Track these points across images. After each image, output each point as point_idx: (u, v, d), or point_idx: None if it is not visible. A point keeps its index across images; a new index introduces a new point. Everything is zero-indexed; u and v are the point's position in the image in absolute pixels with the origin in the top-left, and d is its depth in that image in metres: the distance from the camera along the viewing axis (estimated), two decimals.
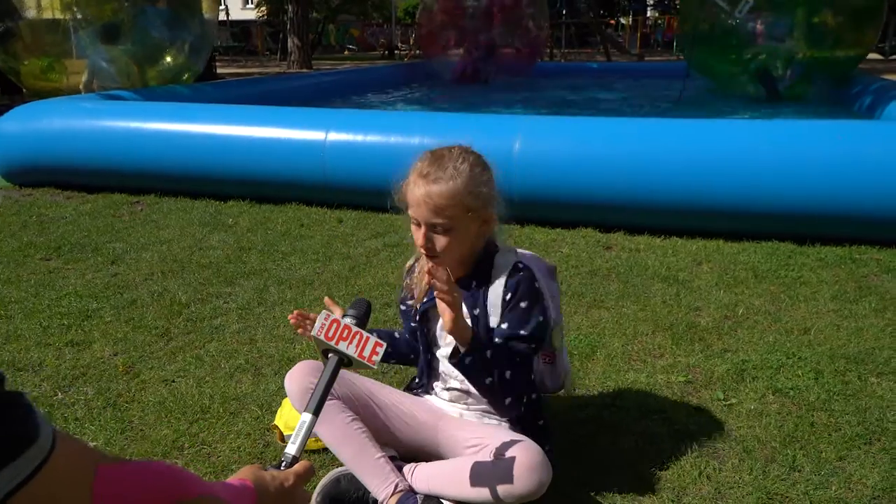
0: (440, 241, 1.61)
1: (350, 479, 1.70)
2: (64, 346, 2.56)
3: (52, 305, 2.95)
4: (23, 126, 5.26)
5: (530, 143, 4.08)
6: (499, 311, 1.69)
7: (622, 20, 35.40)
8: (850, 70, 8.43)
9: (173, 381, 2.31)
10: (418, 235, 1.62)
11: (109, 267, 3.47)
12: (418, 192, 1.59)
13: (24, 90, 8.22)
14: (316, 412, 1.23)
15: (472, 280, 1.72)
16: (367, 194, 4.40)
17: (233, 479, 1.00)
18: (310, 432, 1.21)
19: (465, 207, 1.60)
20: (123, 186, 5.01)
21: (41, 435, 0.66)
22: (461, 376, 1.69)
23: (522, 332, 1.66)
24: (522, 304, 1.68)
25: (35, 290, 3.13)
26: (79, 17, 7.50)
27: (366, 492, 1.67)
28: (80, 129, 5.07)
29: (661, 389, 2.25)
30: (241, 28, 33.00)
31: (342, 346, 1.30)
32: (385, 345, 1.33)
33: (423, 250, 1.62)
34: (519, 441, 1.58)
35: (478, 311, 1.69)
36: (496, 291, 1.70)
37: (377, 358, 1.31)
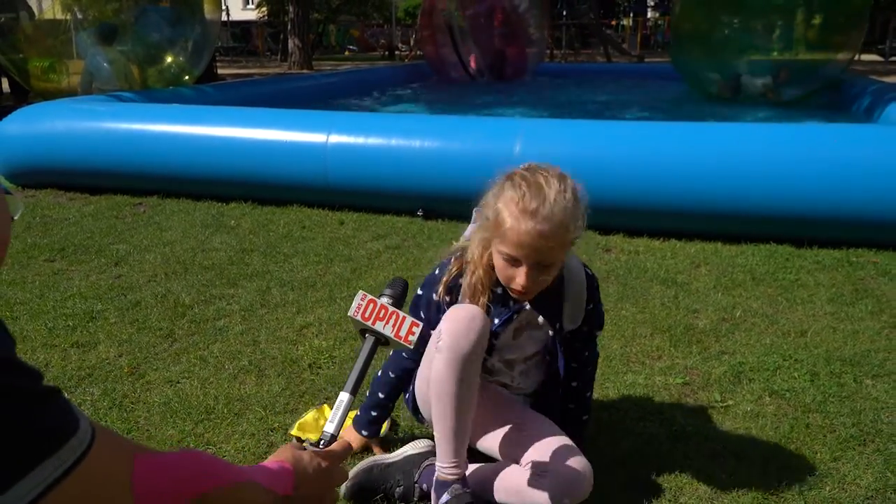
0: (541, 280, 1.53)
1: (382, 469, 1.73)
2: (70, 348, 2.60)
3: (58, 307, 2.98)
4: (26, 127, 5.29)
5: (531, 145, 4.11)
6: (580, 319, 1.73)
7: (623, 21, 35.43)
8: (839, 73, 8.46)
9: (178, 382, 2.34)
10: (516, 274, 1.50)
11: (113, 268, 3.50)
12: (524, 231, 1.45)
13: (30, 90, 8.23)
14: (353, 391, 1.24)
15: (546, 294, 1.65)
16: (369, 196, 4.45)
17: (270, 460, 1.02)
18: (347, 412, 1.22)
19: (570, 243, 1.53)
20: (126, 188, 5.04)
21: (81, 427, 0.70)
22: (514, 376, 1.79)
23: (598, 331, 1.84)
24: (598, 308, 1.80)
25: (40, 292, 3.17)
26: (80, 16, 7.54)
27: (394, 484, 1.71)
28: (82, 130, 5.10)
29: (659, 391, 2.28)
30: (241, 28, 33.01)
31: (378, 326, 1.30)
32: (421, 325, 1.32)
33: (519, 290, 1.53)
34: (575, 455, 1.62)
35: (559, 323, 1.71)
36: (578, 304, 1.71)
37: (413, 338, 1.31)
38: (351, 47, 36.01)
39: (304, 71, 20.88)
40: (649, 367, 2.45)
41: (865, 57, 23.01)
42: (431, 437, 1.93)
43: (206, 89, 7.36)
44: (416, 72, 12.75)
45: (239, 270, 3.45)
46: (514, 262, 1.50)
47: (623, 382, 2.34)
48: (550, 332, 1.71)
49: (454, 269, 1.69)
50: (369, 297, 1.31)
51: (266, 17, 32.69)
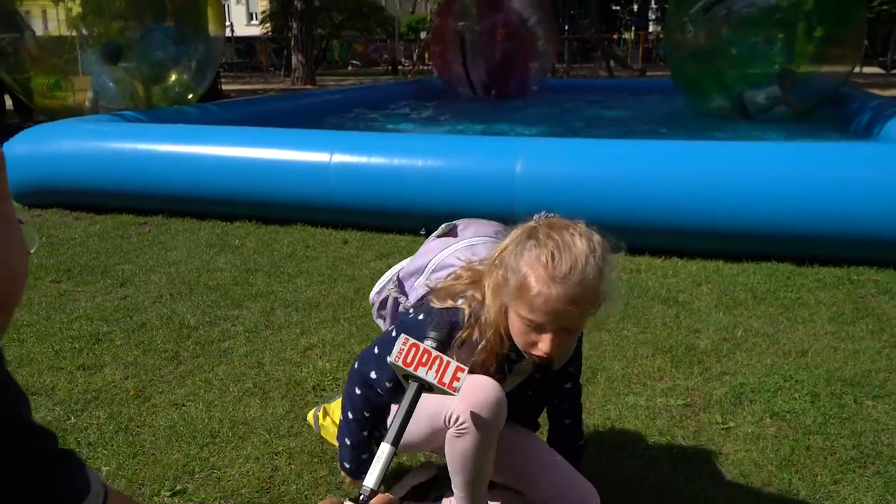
0: (566, 345, 1.42)
1: None
2: (76, 370, 2.62)
3: (64, 329, 3.01)
4: (33, 148, 5.34)
5: (532, 164, 4.14)
6: (566, 360, 1.60)
7: (625, 35, 35.61)
8: (839, 86, 8.48)
9: (183, 406, 2.36)
10: (539, 340, 1.37)
11: (119, 289, 3.53)
12: (555, 297, 1.32)
13: (34, 108, 8.30)
14: (395, 443, 1.20)
15: None
16: (372, 215, 4.48)
17: None
18: (388, 464, 1.18)
19: (598, 305, 1.39)
20: (131, 207, 5.08)
21: (92, 489, 0.72)
22: None
23: (578, 372, 1.74)
24: (580, 348, 1.69)
25: (46, 314, 3.20)
26: (85, 33, 7.61)
27: None
28: (88, 150, 5.15)
29: (660, 413, 2.30)
30: (245, 44, 33.27)
31: (421, 373, 1.24)
32: (466, 369, 1.25)
33: (542, 357, 1.39)
34: (583, 486, 1.63)
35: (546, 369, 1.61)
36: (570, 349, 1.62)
37: (459, 384, 1.24)
38: (354, 62, 36.24)
39: (308, 86, 21.02)
40: (651, 389, 2.46)
41: (867, 69, 23.07)
42: (422, 462, 1.95)
43: (211, 108, 7.42)
44: (420, 88, 12.83)
45: (243, 291, 3.47)
46: (538, 328, 1.37)
47: (625, 404, 2.35)
48: (536, 375, 1.64)
49: (465, 332, 1.49)
50: (412, 340, 1.26)
51: (270, 33, 32.93)
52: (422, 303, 1.60)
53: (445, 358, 1.26)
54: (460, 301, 1.50)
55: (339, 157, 4.51)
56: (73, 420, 2.28)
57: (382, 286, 1.88)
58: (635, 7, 38.63)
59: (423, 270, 1.72)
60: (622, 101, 11.32)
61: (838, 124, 7.53)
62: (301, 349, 2.80)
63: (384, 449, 1.20)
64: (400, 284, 1.78)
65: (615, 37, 34.49)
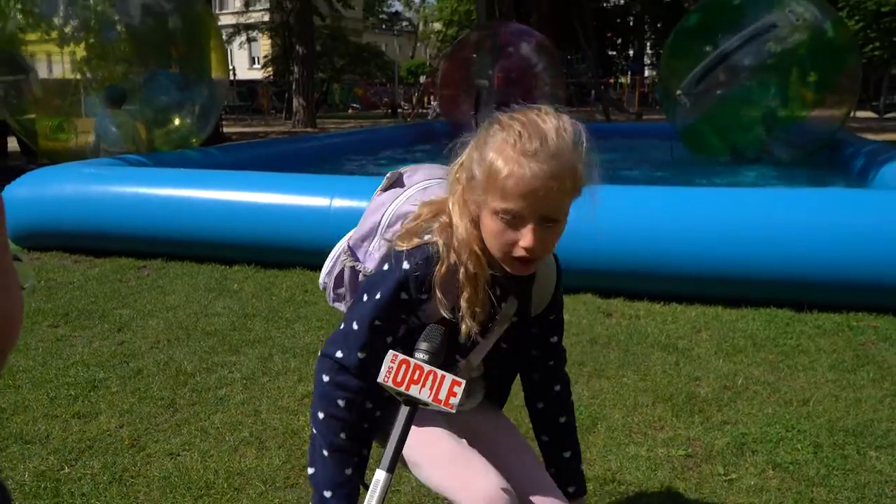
0: (548, 238, 1.26)
1: None
2: (71, 418, 2.59)
3: (60, 375, 2.99)
4: (34, 191, 5.38)
5: None
6: (542, 301, 1.46)
7: (621, 79, 36.18)
8: (835, 132, 8.59)
9: (178, 455, 2.33)
10: (519, 236, 1.23)
11: (116, 334, 3.52)
12: (530, 175, 1.18)
13: (38, 151, 8.38)
14: (391, 469, 1.12)
15: (528, 280, 1.41)
16: None
17: None
18: (385, 493, 1.11)
19: (577, 189, 1.26)
20: (131, 251, 5.09)
21: None
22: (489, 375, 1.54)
23: (561, 326, 1.54)
24: (561, 294, 1.51)
25: (43, 359, 3.18)
26: (89, 76, 7.72)
27: None
28: (89, 194, 5.18)
29: (661, 464, 2.27)
30: (247, 88, 33.73)
31: (414, 391, 1.14)
32: (463, 382, 1.14)
33: (525, 256, 1.24)
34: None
35: (525, 308, 1.43)
36: (547, 287, 1.46)
37: (455, 400, 1.14)
38: (354, 105, 36.70)
39: (308, 129, 21.25)
40: (651, 438, 2.44)
41: (860, 114, 23.40)
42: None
43: (213, 151, 7.49)
44: (420, 132, 12.97)
45: (241, 336, 3.46)
46: (515, 221, 1.22)
47: (625, 454, 2.32)
48: (515, 319, 1.45)
49: (443, 266, 1.29)
50: (401, 356, 1.15)
51: (272, 77, 33.43)
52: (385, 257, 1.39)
53: (440, 372, 1.15)
54: (427, 236, 1.31)
55: (339, 202, 4.53)
56: (66, 470, 2.25)
57: (333, 262, 1.69)
58: (631, 52, 39.33)
59: (377, 230, 1.53)
60: (619, 144, 11.45)
61: (834, 169, 7.60)
62: (298, 397, 2.78)
63: (379, 476, 1.10)
64: (353, 253, 1.59)
65: (611, 81, 35.05)
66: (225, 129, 18.02)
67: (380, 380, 1.15)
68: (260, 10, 31.74)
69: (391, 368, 1.16)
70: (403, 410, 1.17)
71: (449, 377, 1.15)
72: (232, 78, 29.06)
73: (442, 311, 1.29)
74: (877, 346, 3.29)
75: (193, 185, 5.04)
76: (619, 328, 3.56)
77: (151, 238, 4.99)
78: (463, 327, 1.31)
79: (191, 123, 7.69)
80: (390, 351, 1.16)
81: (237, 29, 29.93)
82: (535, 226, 1.21)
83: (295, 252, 4.63)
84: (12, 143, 10.85)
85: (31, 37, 7.89)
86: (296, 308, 3.90)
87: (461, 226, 1.28)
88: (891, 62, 25.24)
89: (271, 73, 33.20)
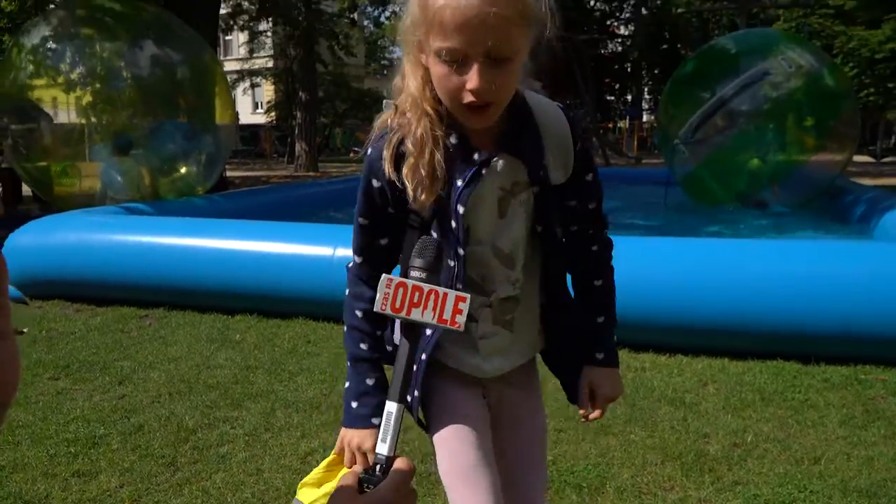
0: (498, 80, 1.14)
1: None
2: (70, 477, 2.55)
3: (60, 431, 2.95)
4: (38, 239, 5.39)
5: None
6: (564, 162, 1.31)
7: (619, 124, 36.60)
8: (833, 178, 8.64)
9: None
10: (466, 78, 1.13)
11: (117, 387, 3.48)
12: (465, 3, 1.08)
13: (51, 198, 8.40)
14: (402, 398, 1.02)
15: (519, 130, 1.28)
16: None
17: None
18: (399, 424, 1.01)
19: (525, 19, 1.14)
20: (133, 299, 5.08)
21: None
22: (517, 277, 1.33)
23: (597, 195, 1.40)
24: (589, 152, 1.37)
25: (43, 414, 3.14)
26: (94, 121, 7.80)
27: None
28: (93, 243, 5.19)
29: None
30: (250, 132, 34.10)
31: (416, 315, 1.04)
32: (468, 297, 1.01)
33: (474, 100, 1.14)
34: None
35: (540, 170, 1.28)
36: (561, 142, 1.31)
37: (462, 317, 1.03)
38: (356, 149, 37.03)
39: (310, 173, 21.43)
40: (662, 500, 2.39)
41: (858, 158, 23.58)
42: None
43: (217, 199, 7.54)
44: None
45: (243, 390, 3.42)
46: (459, 61, 1.12)
47: None
48: (535, 189, 1.29)
49: (395, 136, 1.24)
50: (396, 279, 1.03)
51: (275, 122, 33.81)
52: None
53: (441, 290, 1.01)
54: (385, 114, 1.29)
55: (342, 252, 4.53)
56: None
57: None
58: (629, 97, 39.84)
59: None
60: (618, 189, 11.51)
61: (835, 216, 7.63)
62: (301, 454, 2.73)
63: (390, 408, 1.00)
64: None
65: (610, 126, 35.45)
66: (228, 173, 18.15)
67: (377, 308, 1.02)
68: (264, 57, 32.27)
69: (387, 294, 1.02)
70: (404, 344, 1.05)
71: (452, 293, 1.01)
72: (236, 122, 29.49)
73: (409, 191, 1.21)
74: (886, 401, 3.25)
75: (196, 233, 5.05)
76: (624, 381, 3.50)
77: (154, 287, 4.98)
78: (414, 202, 1.22)
79: (197, 172, 7.74)
80: (383, 275, 1.02)
81: (241, 75, 30.38)
82: (480, 65, 1.11)
83: (297, 302, 4.61)
84: (28, 189, 10.92)
85: (38, 82, 8.00)
86: (298, 360, 3.87)
87: (411, 84, 1.22)
88: (885, 107, 25.53)
89: (274, 117, 33.59)
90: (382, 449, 0.97)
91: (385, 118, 1.29)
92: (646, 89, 38.25)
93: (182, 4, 9.90)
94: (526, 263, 1.34)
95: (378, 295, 1.01)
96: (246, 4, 21.71)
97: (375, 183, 1.27)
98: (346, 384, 1.37)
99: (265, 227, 5.07)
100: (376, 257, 1.31)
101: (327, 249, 4.58)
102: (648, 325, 3.89)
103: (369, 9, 29.41)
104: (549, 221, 1.31)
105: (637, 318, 3.90)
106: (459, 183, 1.23)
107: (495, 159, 1.26)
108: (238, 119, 31.34)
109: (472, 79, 1.12)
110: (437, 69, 1.15)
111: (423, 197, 1.21)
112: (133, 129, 7.63)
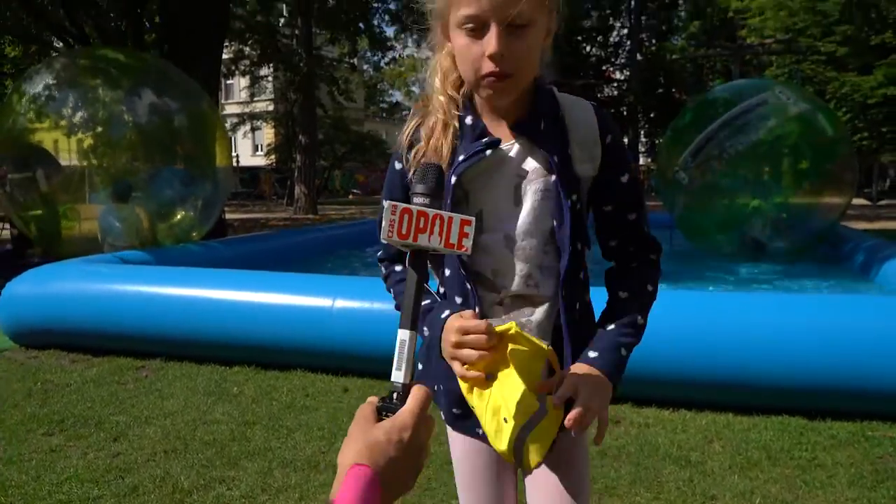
0: (517, 48, 1.17)
1: None
2: None
3: (53, 492, 2.89)
4: (34, 288, 5.36)
5: None
6: (591, 154, 1.29)
7: None
8: (832, 224, 8.65)
9: None
10: (485, 45, 1.16)
11: (112, 445, 3.42)
12: None
13: (49, 246, 8.36)
14: (413, 325, 0.99)
15: (538, 117, 1.27)
16: (374, 361, 4.41)
17: (346, 471, 0.80)
18: (413, 351, 0.99)
19: None
20: (129, 350, 5.03)
21: None
22: (533, 275, 1.28)
23: (637, 202, 1.35)
24: (624, 149, 1.34)
25: (36, 473, 3.07)
26: (95, 163, 7.82)
27: None
28: (90, 292, 5.16)
29: None
30: (250, 174, 34.32)
31: (423, 240, 1.02)
32: (472, 219, 1.00)
33: (493, 68, 1.18)
34: None
35: (557, 157, 1.25)
36: (587, 132, 1.29)
37: (468, 241, 1.01)
38: (355, 191, 37.28)
39: (310, 216, 21.49)
40: None
41: (854, 201, 23.72)
42: None
43: (215, 245, 7.53)
44: None
45: (240, 447, 3.36)
46: (478, 29, 1.17)
47: None
48: (553, 178, 1.25)
49: (413, 120, 1.34)
50: (401, 205, 1.01)
51: (274, 164, 34.05)
52: None
53: (446, 214, 1.00)
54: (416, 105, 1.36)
55: (341, 303, 4.51)
56: None
57: None
58: (626, 140, 40.27)
59: None
60: None
61: (836, 264, 7.63)
62: None
63: (403, 336, 0.98)
64: None
65: None
66: (227, 216, 18.20)
67: (383, 237, 1.01)
68: (265, 101, 32.68)
69: (393, 221, 1.01)
70: (415, 259, 1.03)
71: (457, 217, 1.01)
72: (235, 165, 29.66)
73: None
74: (895, 460, 3.20)
75: (193, 283, 5.02)
76: (628, 438, 3.46)
77: (151, 337, 4.93)
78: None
79: (194, 217, 7.76)
80: (388, 202, 1.02)
81: (242, 118, 30.70)
82: (499, 30, 1.15)
83: (296, 353, 4.57)
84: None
85: (39, 125, 8.04)
86: (296, 414, 3.81)
87: (436, 71, 1.29)
88: (879, 151, 25.81)
89: (274, 160, 33.84)
90: (398, 377, 0.95)
91: (416, 108, 1.35)
92: (642, 132, 38.66)
93: (186, 50, 10.06)
94: (544, 263, 1.29)
95: (384, 223, 0.99)
96: (248, 50, 22.04)
97: (397, 165, 1.35)
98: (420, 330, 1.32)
99: (263, 278, 5.06)
100: None
101: (326, 301, 4.55)
102: (652, 379, 3.85)
103: (369, 53, 29.91)
104: (565, 216, 1.25)
105: (641, 371, 3.85)
106: (461, 158, 1.25)
107: (510, 143, 1.27)
108: (238, 162, 31.63)
109: (491, 43, 1.15)
110: (460, 41, 1.20)
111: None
112: (132, 175, 7.66)
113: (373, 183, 37.36)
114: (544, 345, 1.21)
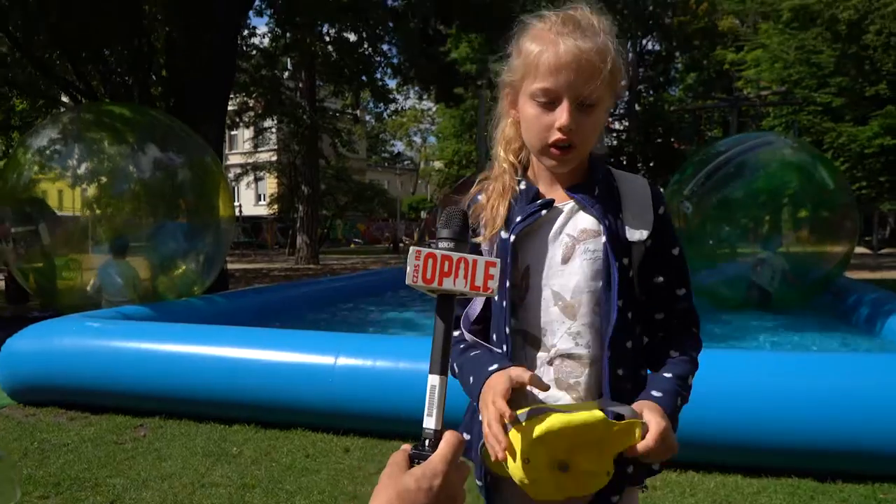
0: (584, 123, 1.27)
1: None
2: None
3: None
4: (34, 344, 5.33)
5: None
6: (643, 220, 1.33)
7: None
8: (836, 274, 8.62)
9: None
10: (556, 117, 1.25)
11: None
12: (563, 50, 1.23)
13: (48, 301, 8.34)
14: (443, 370, 0.98)
15: (594, 183, 1.34)
16: (376, 420, 4.36)
17: None
18: (444, 396, 0.98)
19: (613, 74, 1.27)
20: (129, 407, 4.96)
21: None
22: (578, 330, 1.31)
23: (684, 271, 1.39)
24: (671, 225, 1.38)
25: None
26: (98, 213, 7.84)
27: None
28: (89, 348, 5.12)
29: None
30: (252, 224, 34.51)
31: (448, 284, 1.02)
32: (497, 260, 1.01)
33: (561, 137, 1.26)
34: None
35: (609, 219, 1.30)
36: (641, 203, 1.34)
37: (494, 283, 1.01)
38: (357, 240, 37.45)
39: (311, 266, 21.54)
40: None
41: (856, 250, 23.79)
42: None
43: (217, 299, 7.52)
44: None
45: None
46: (550, 102, 1.26)
47: None
48: (604, 239, 1.30)
49: (477, 184, 1.42)
50: (425, 251, 1.02)
51: (277, 214, 34.27)
52: None
53: (470, 257, 1.01)
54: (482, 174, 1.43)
55: (344, 360, 4.47)
56: None
57: None
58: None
59: None
60: None
61: (839, 316, 7.59)
62: None
63: (433, 381, 0.97)
64: None
65: None
66: (229, 266, 18.22)
67: (408, 281, 1.02)
68: (268, 151, 33.05)
69: (417, 266, 1.02)
70: (442, 303, 1.03)
71: (482, 259, 1.01)
72: (238, 214, 29.94)
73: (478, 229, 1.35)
74: None
75: (193, 340, 4.98)
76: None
77: (150, 395, 4.87)
78: (478, 237, 1.34)
79: (196, 270, 7.75)
80: (412, 248, 1.03)
81: (246, 169, 31.02)
82: (570, 105, 1.24)
83: (297, 412, 4.51)
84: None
85: (43, 176, 8.08)
86: (296, 477, 3.74)
87: (500, 138, 1.39)
88: (878, 200, 25.97)
89: (276, 210, 34.07)
90: (429, 423, 0.94)
91: (481, 177, 1.43)
92: None
93: (192, 105, 10.22)
94: (593, 323, 1.31)
95: (408, 269, 1.00)
96: (252, 102, 22.38)
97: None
98: (465, 378, 1.40)
99: (264, 334, 5.03)
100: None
101: (328, 358, 4.51)
102: None
103: (371, 105, 30.38)
104: (613, 276, 1.29)
105: None
106: (518, 219, 1.32)
107: (563, 203, 1.34)
108: (241, 212, 31.81)
109: (562, 116, 1.24)
110: (530, 111, 1.29)
111: (485, 232, 1.33)
112: (136, 229, 7.68)
113: (374, 232, 37.54)
114: (595, 415, 1.18)
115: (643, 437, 1.20)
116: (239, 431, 4.54)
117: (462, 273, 1.01)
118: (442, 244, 1.03)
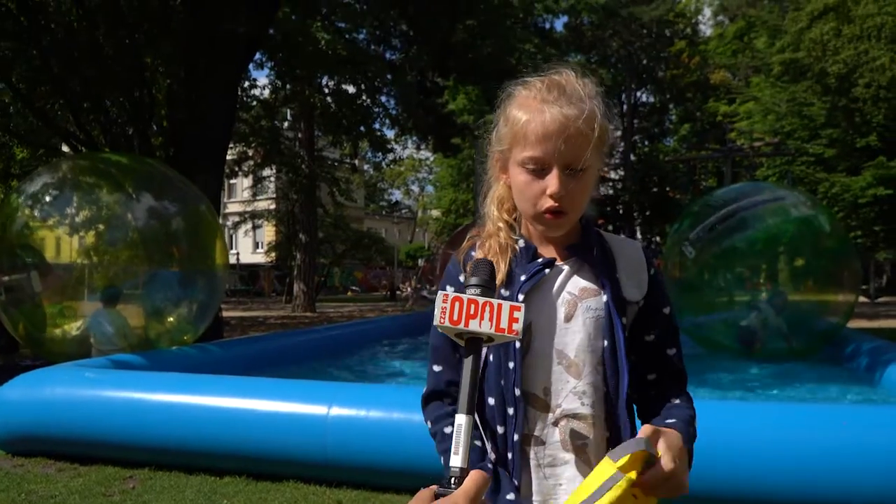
0: (574, 189, 1.28)
1: None
2: None
3: None
4: (24, 394, 5.25)
5: None
6: (638, 280, 1.36)
7: None
8: (840, 326, 8.59)
9: None
10: (546, 184, 1.27)
11: None
12: (549, 118, 1.25)
13: (37, 350, 8.26)
14: (470, 410, 1.01)
15: (589, 245, 1.37)
16: (370, 472, 4.29)
17: None
18: (470, 436, 1.00)
19: (601, 138, 1.29)
20: (118, 458, 4.87)
21: None
22: (583, 388, 1.30)
23: (674, 327, 1.39)
24: (663, 284, 1.40)
25: None
26: (95, 260, 7.82)
27: None
28: (80, 398, 5.05)
29: None
30: (249, 272, 34.50)
31: (473, 325, 1.07)
32: (523, 306, 1.05)
33: (552, 204, 1.27)
34: None
35: (608, 278, 1.33)
36: (635, 265, 1.37)
37: (518, 325, 1.06)
38: (354, 288, 37.40)
39: (308, 313, 21.45)
40: None
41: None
42: None
43: (210, 348, 7.46)
44: (417, 323, 13.03)
45: None
46: (540, 169, 1.27)
47: None
48: (604, 297, 1.32)
49: (469, 242, 1.42)
50: (453, 294, 1.08)
51: (274, 262, 34.28)
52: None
53: (496, 301, 1.06)
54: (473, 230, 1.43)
55: (337, 411, 4.41)
56: None
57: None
58: (622, 235, 40.71)
59: None
60: None
61: (838, 364, 7.54)
62: None
63: (460, 421, 1.00)
64: None
65: None
66: (225, 314, 18.13)
67: (436, 322, 1.06)
68: (266, 199, 33.25)
69: (444, 309, 1.07)
70: (470, 345, 1.07)
71: (506, 304, 1.06)
72: (235, 262, 29.95)
73: None
74: None
75: (183, 390, 4.91)
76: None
77: (139, 445, 4.79)
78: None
79: (189, 319, 7.70)
80: (440, 291, 1.09)
81: (244, 217, 31.15)
82: (559, 172, 1.26)
83: (289, 464, 4.43)
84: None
85: (37, 224, 8.08)
86: None
87: (492, 201, 1.39)
88: (874, 249, 26.08)
89: (274, 257, 34.09)
90: (455, 461, 0.96)
91: (472, 233, 1.44)
92: (637, 230, 39.21)
93: (191, 155, 10.31)
94: (597, 382, 1.31)
95: (436, 311, 1.05)
96: (251, 152, 22.62)
97: (450, 289, 1.36)
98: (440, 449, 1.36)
99: (255, 384, 4.97)
100: (452, 362, 1.37)
101: (321, 408, 4.45)
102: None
103: (369, 154, 30.70)
104: (618, 334, 1.30)
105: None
106: (522, 278, 1.32)
107: (563, 262, 1.36)
108: (238, 260, 31.84)
109: (552, 183, 1.26)
110: (520, 178, 1.30)
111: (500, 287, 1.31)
112: (130, 276, 7.66)
113: (371, 280, 37.53)
114: (610, 467, 1.12)
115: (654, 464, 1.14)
116: (230, 483, 4.46)
117: (488, 316, 1.06)
118: (470, 291, 1.09)
